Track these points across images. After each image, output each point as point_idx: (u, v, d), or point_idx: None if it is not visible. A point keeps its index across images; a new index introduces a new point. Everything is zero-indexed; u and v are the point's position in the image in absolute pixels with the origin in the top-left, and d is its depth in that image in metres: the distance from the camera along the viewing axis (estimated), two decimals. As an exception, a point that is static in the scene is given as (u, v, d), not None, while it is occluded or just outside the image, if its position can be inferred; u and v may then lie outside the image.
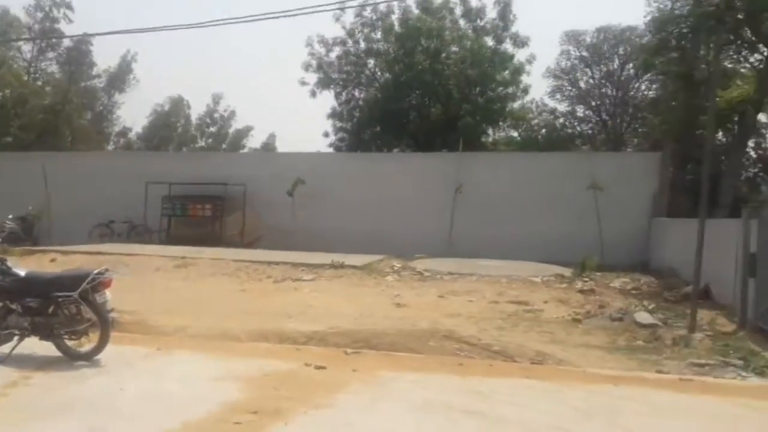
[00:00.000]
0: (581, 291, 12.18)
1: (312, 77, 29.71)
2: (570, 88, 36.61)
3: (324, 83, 29.60)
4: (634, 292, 12.41)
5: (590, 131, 36.62)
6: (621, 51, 34.03)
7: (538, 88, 49.19)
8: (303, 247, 17.64)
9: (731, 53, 21.77)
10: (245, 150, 44.88)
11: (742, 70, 21.92)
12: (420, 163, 20.90)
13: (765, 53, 19.57)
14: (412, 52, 26.26)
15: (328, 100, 31.96)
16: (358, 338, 7.78)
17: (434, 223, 19.15)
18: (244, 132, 46.54)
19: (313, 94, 29.62)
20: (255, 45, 71.76)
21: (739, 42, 20.52)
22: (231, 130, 46.37)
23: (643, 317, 9.36)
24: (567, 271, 14.50)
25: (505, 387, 5.78)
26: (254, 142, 47.28)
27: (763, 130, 25.25)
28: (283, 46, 71.00)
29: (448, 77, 26.23)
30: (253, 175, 21.01)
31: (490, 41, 27.61)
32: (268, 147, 46.09)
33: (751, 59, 21.66)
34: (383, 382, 5.87)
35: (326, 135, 31.30)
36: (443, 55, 26.72)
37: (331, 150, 30.48)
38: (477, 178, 19.19)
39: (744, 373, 6.68)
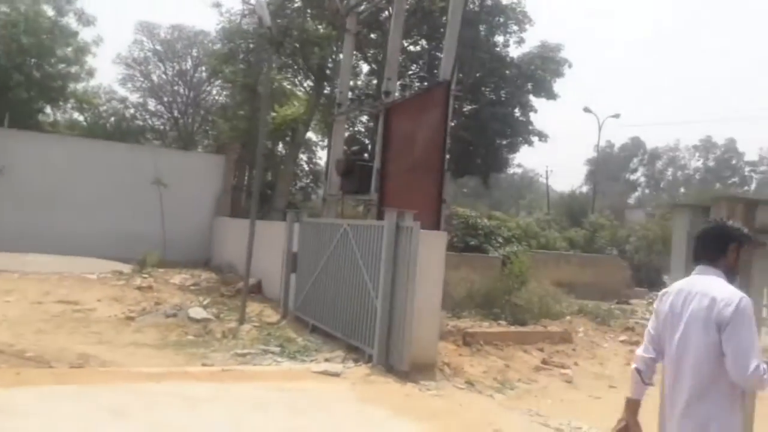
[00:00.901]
0: (139, 288, 11.85)
1: None
2: (142, 79, 35.62)
3: None
4: (193, 288, 12.71)
5: (162, 126, 36.32)
6: (194, 53, 34.83)
7: (107, 74, 46.31)
8: None
9: (290, 75, 24.68)
10: None
11: (299, 93, 25.07)
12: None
13: (314, 81, 22.76)
14: (-54, 1, 21.34)
15: None
16: None
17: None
18: None
19: None
20: None
21: (296, 67, 23.40)
22: None
23: (197, 312, 9.64)
24: (126, 268, 13.93)
25: (31, 397, 5.10)
26: None
27: (314, 147, 29.41)
28: None
29: (-5, 40, 22.25)
30: None
31: (50, 11, 24.57)
32: None
33: (305, 84, 24.99)
34: None
35: None
36: (-10, 13, 22.54)
37: None
38: (27, 161, 16.68)
39: (279, 359, 7.51)
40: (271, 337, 8.57)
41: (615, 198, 47.73)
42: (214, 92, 34.78)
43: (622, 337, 9.59)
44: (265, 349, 7.83)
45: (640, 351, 2.98)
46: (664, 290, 2.95)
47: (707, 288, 2.67)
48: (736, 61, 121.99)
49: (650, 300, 12.87)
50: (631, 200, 74.42)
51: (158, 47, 35.27)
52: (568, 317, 10.28)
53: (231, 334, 8.55)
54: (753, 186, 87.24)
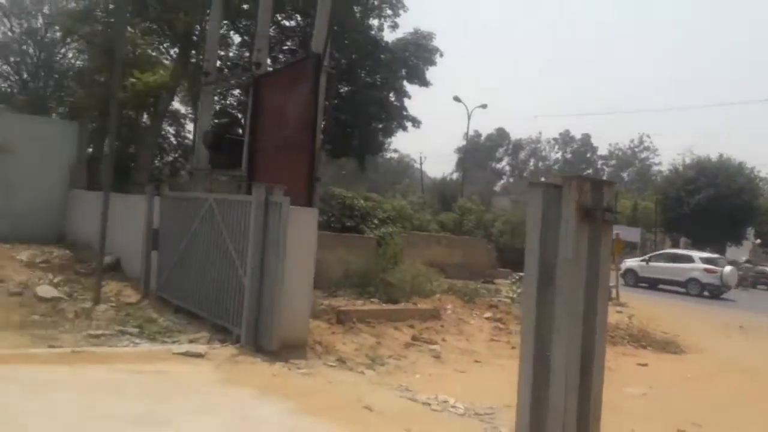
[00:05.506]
0: (-22, 265, 10.56)
1: None
2: (-18, 35, 31.87)
3: None
4: (43, 265, 11.55)
5: (8, 89, 32.73)
6: (46, 10, 31.67)
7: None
8: None
9: (155, 42, 23.15)
10: None
11: (166, 61, 23.59)
12: None
13: (180, 48, 21.51)
14: None
15: None
16: None
17: None
18: None
19: None
20: None
21: (161, 33, 21.97)
22: None
23: (45, 291, 8.79)
24: (-38, 243, 12.41)
25: None
26: None
27: (182, 120, 27.89)
28: None
29: None
30: None
31: None
32: None
33: (172, 52, 23.57)
34: None
35: None
36: None
37: None
38: None
39: (137, 340, 7.01)
40: (130, 317, 7.98)
41: (482, 185, 50.18)
42: (70, 55, 31.88)
43: (487, 314, 10.03)
44: (122, 330, 7.27)
45: None
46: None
47: None
48: (593, 58, 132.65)
49: (514, 280, 13.59)
50: (497, 187, 78.68)
51: (1, 0, 31.65)
52: (437, 295, 10.59)
53: (84, 315, 7.86)
54: (604, 179, 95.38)
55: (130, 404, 4.79)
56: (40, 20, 32.12)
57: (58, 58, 32.34)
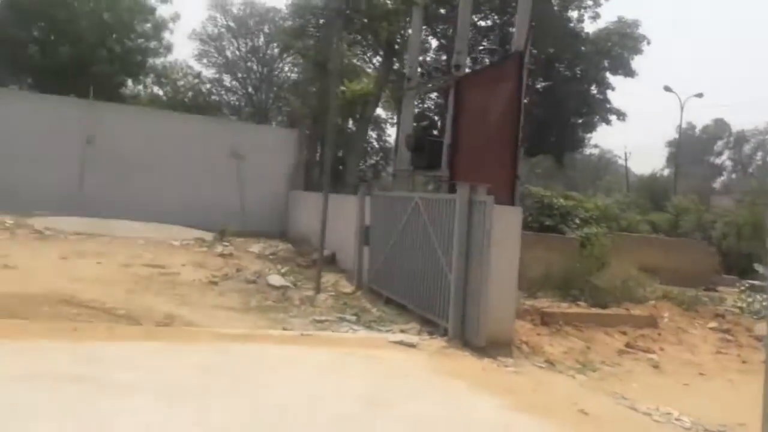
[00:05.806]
0: (221, 255, 12.27)
1: None
2: (217, 55, 36.55)
3: None
4: (271, 257, 13.04)
5: (237, 102, 37.23)
6: (266, 29, 35.38)
7: (183, 49, 47.93)
8: None
9: (359, 52, 24.68)
10: None
11: (368, 69, 25.05)
12: (38, 106, 17.44)
13: (383, 56, 22.63)
14: (37, -21, 22.53)
15: None
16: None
17: (58, 177, 16.65)
18: None
19: None
20: None
21: (365, 43, 23.36)
22: None
23: (275, 279, 9.90)
24: (208, 236, 14.46)
25: (123, 351, 5.36)
26: None
27: (383, 125, 29.44)
28: None
29: (79, 16, 23.31)
30: None
31: (129, -12, 25.58)
32: None
33: (374, 60, 24.94)
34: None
35: None
36: (74, -10, 23.70)
37: None
38: (112, 132, 17.40)
39: (356, 327, 7.60)
40: (347, 306, 8.68)
41: (698, 182, 45.34)
42: (286, 69, 35.35)
43: (712, 324, 9.12)
44: (341, 318, 7.93)
45: None
46: None
47: None
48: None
49: (743, 288, 12.13)
50: (716, 185, 70.49)
51: (231, 23, 36.07)
52: (652, 302, 9.87)
53: (308, 302, 8.72)
54: None
55: (355, 385, 5.21)
56: (262, 39, 36.04)
57: (276, 72, 36.05)
